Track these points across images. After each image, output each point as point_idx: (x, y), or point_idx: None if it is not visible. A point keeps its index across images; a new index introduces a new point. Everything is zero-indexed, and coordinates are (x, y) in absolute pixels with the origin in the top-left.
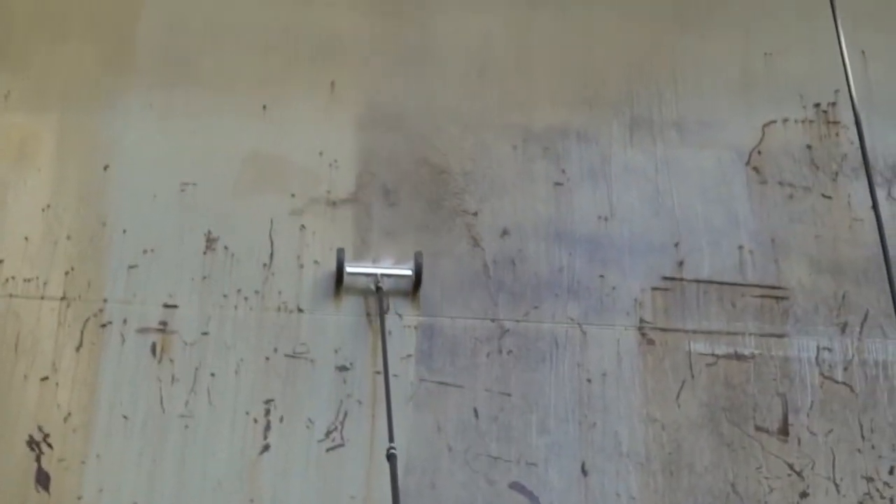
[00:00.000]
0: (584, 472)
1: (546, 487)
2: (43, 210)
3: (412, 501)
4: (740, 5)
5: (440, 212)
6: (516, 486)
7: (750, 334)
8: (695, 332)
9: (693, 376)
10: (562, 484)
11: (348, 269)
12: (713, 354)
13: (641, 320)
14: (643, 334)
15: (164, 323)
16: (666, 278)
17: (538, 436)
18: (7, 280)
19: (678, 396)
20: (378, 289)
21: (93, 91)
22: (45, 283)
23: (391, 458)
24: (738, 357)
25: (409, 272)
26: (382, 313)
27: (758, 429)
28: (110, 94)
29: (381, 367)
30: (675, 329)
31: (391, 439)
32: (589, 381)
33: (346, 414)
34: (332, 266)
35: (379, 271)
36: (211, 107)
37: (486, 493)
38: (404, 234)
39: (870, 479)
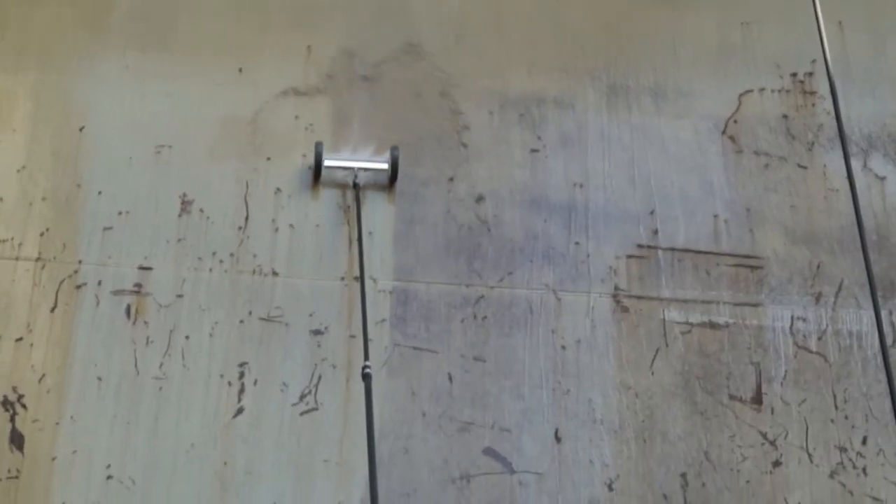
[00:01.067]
0: (557, 438)
1: (519, 453)
2: (18, 171)
3: (385, 467)
4: None
5: (416, 177)
6: (490, 452)
7: (724, 303)
8: (669, 300)
9: (667, 344)
10: (535, 450)
11: (326, 162)
12: (687, 323)
13: (616, 288)
14: (618, 302)
15: (138, 285)
16: (641, 246)
17: (512, 402)
18: None
19: (652, 364)
20: (356, 185)
21: (69, 53)
22: (19, 244)
23: (366, 377)
24: (713, 326)
25: (384, 166)
26: (359, 211)
27: (731, 397)
28: (86, 55)
29: (355, 332)
30: (649, 297)
31: (366, 357)
32: (563, 347)
33: (320, 378)
34: (308, 232)
35: (356, 165)
36: (187, 70)
37: (459, 458)
38: (376, 197)
39: (843, 449)
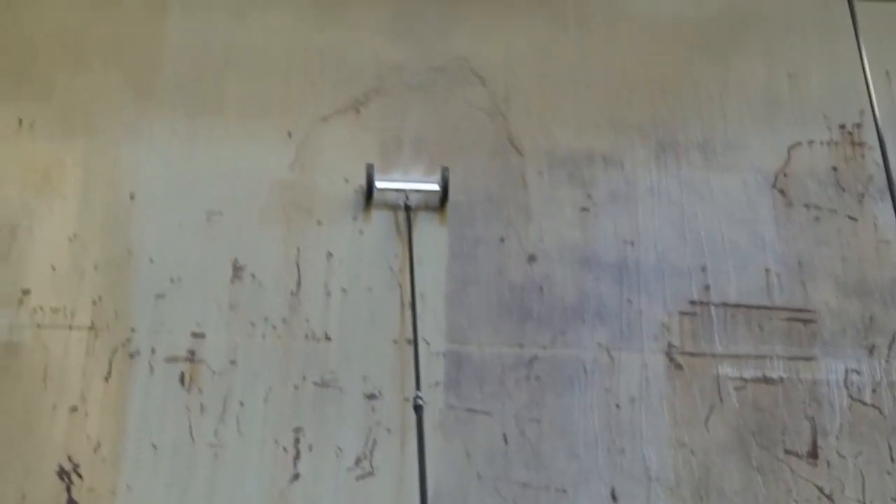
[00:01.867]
0: (613, 497)
1: None
2: (70, 239)
3: None
4: (762, 27)
5: (467, 237)
6: None
7: (778, 357)
8: (723, 355)
9: (722, 400)
10: None
11: (378, 184)
12: (741, 378)
13: (669, 345)
14: (671, 359)
15: (191, 352)
16: (693, 302)
17: (567, 462)
18: (35, 310)
19: (707, 420)
20: (407, 207)
21: (117, 118)
22: (72, 313)
23: (418, 408)
24: (767, 380)
25: (436, 187)
26: (410, 230)
27: (787, 452)
28: (135, 121)
29: (408, 395)
30: (702, 353)
31: (418, 387)
32: (617, 406)
33: (375, 442)
34: (361, 295)
35: (407, 186)
36: (236, 133)
37: None
38: (432, 258)
39: None
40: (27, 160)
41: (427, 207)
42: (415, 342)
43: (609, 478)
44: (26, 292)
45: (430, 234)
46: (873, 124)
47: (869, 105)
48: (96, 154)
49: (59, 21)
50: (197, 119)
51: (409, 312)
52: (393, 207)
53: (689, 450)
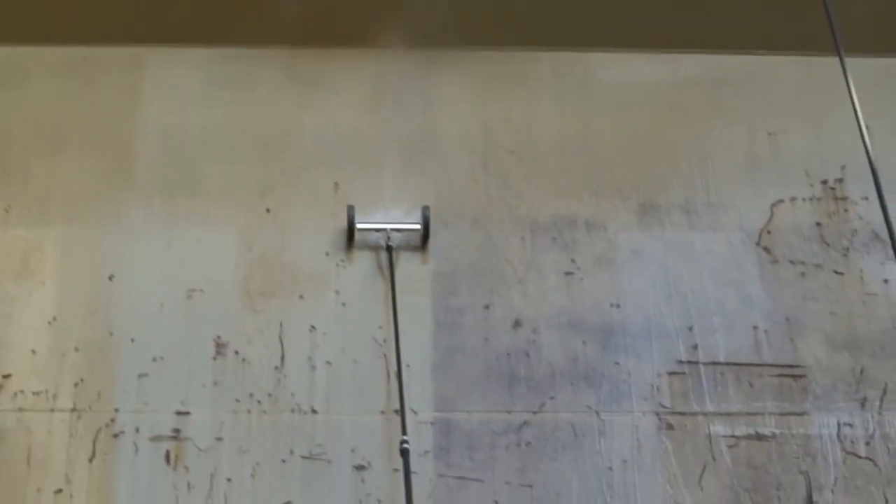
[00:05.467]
0: None
1: None
2: (49, 323)
3: None
4: (740, 87)
5: (451, 307)
6: None
7: (770, 414)
8: (714, 414)
9: (714, 458)
10: None
11: (359, 225)
12: (733, 436)
13: (659, 405)
14: (661, 419)
15: (177, 430)
16: (681, 362)
17: None
18: (16, 394)
19: (700, 479)
20: (389, 248)
21: (94, 203)
22: (54, 396)
23: (404, 452)
24: (759, 437)
25: (417, 226)
26: (392, 269)
27: None
28: (112, 205)
29: (399, 466)
30: (693, 412)
31: (404, 432)
32: (610, 468)
33: None
34: (346, 368)
35: (389, 226)
36: (214, 213)
37: None
38: (415, 330)
39: None
40: (4, 247)
41: (409, 247)
42: (399, 385)
43: None
44: (7, 377)
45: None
46: (856, 178)
47: (850, 160)
48: (74, 238)
49: (33, 108)
50: (174, 200)
51: (395, 382)
52: (375, 248)
53: None
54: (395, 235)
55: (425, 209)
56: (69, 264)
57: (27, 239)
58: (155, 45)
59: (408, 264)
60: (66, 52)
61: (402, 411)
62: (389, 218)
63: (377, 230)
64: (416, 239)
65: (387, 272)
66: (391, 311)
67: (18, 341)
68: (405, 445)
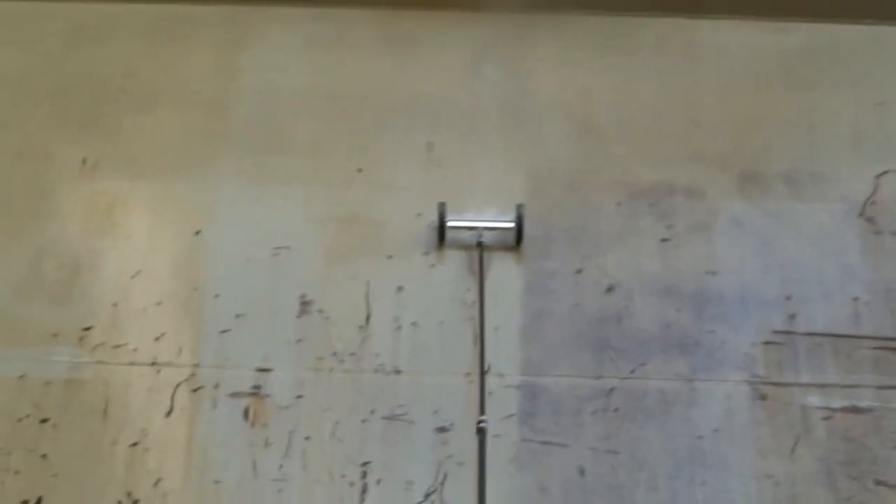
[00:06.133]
0: None
1: None
2: (132, 277)
3: None
4: (848, 57)
5: (543, 270)
6: None
7: (867, 387)
8: (809, 385)
9: (808, 430)
10: None
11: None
12: (829, 408)
13: (753, 374)
14: (755, 389)
15: (257, 387)
16: (778, 332)
17: (647, 494)
18: (96, 347)
19: (793, 451)
20: (480, 244)
21: (183, 158)
22: (134, 349)
23: (480, 431)
24: (856, 410)
25: (511, 224)
26: (482, 267)
27: (878, 483)
28: (202, 161)
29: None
30: (788, 383)
31: (482, 412)
32: (699, 437)
33: (446, 475)
34: (432, 330)
35: (481, 224)
36: (306, 171)
37: None
38: (505, 293)
39: None
40: (90, 200)
41: (503, 247)
42: (481, 366)
43: None
44: (87, 329)
45: (505, 272)
46: None
47: None
48: (161, 193)
49: (125, 64)
50: (265, 158)
51: (479, 346)
52: (466, 247)
53: (775, 481)
54: (486, 234)
55: (520, 207)
56: (155, 219)
57: (114, 193)
58: (251, 4)
59: (500, 263)
60: (161, 10)
61: (481, 386)
62: (484, 187)
63: (469, 228)
64: (510, 238)
65: (478, 270)
66: (479, 274)
67: (101, 295)
68: (482, 425)
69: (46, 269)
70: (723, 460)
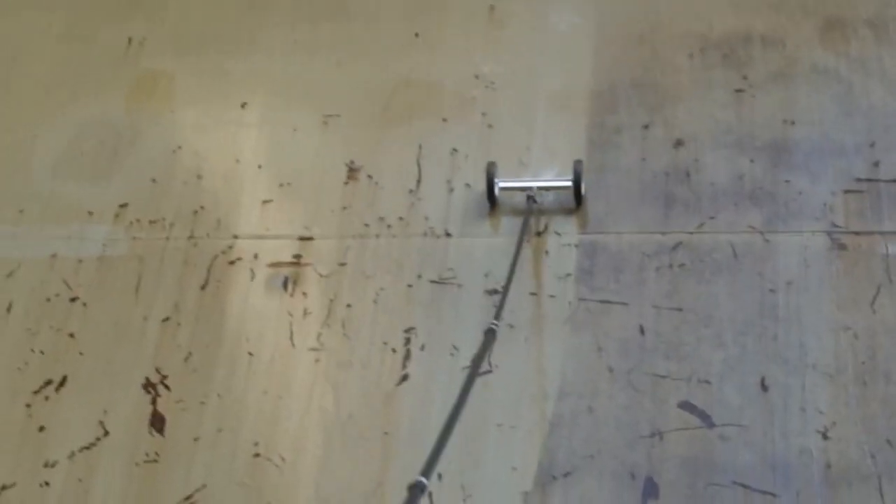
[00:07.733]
0: (763, 387)
1: (720, 405)
2: (174, 151)
3: (567, 427)
4: None
5: (607, 125)
6: (686, 406)
7: None
8: (892, 233)
9: (891, 280)
10: (738, 401)
11: (500, 184)
12: None
13: (832, 224)
14: (833, 239)
15: (297, 256)
16: (860, 180)
17: (712, 351)
18: (131, 223)
19: (873, 302)
20: (530, 198)
21: (232, 30)
22: (171, 224)
23: (489, 332)
24: None
25: (567, 183)
26: (526, 224)
27: None
28: (251, 31)
29: (535, 289)
30: (869, 231)
31: (497, 317)
32: (772, 290)
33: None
34: (485, 190)
35: (534, 184)
36: (359, 38)
37: (650, 414)
38: (566, 150)
39: None
40: (134, 78)
41: (561, 209)
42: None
43: (759, 367)
44: (124, 206)
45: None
46: None
47: None
48: (207, 66)
49: None
50: (318, 25)
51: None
52: (519, 212)
53: (853, 333)
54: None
55: (577, 163)
56: (201, 93)
57: (160, 69)
58: None
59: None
60: None
61: (506, 289)
62: (550, 45)
63: (521, 189)
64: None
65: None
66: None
67: (139, 171)
68: (493, 326)
69: (85, 147)
70: (797, 313)
